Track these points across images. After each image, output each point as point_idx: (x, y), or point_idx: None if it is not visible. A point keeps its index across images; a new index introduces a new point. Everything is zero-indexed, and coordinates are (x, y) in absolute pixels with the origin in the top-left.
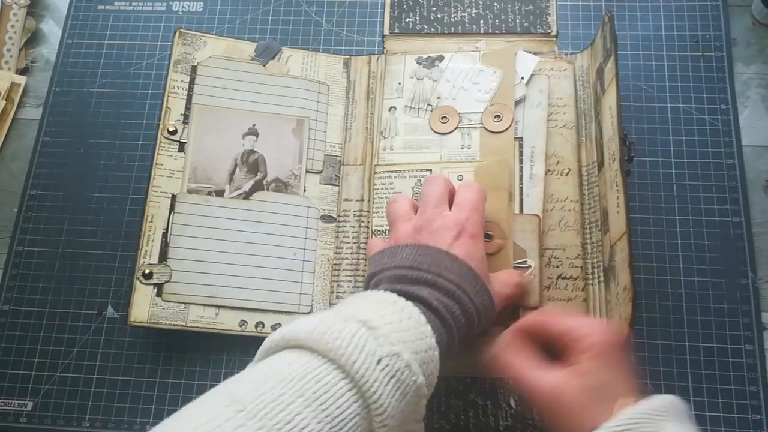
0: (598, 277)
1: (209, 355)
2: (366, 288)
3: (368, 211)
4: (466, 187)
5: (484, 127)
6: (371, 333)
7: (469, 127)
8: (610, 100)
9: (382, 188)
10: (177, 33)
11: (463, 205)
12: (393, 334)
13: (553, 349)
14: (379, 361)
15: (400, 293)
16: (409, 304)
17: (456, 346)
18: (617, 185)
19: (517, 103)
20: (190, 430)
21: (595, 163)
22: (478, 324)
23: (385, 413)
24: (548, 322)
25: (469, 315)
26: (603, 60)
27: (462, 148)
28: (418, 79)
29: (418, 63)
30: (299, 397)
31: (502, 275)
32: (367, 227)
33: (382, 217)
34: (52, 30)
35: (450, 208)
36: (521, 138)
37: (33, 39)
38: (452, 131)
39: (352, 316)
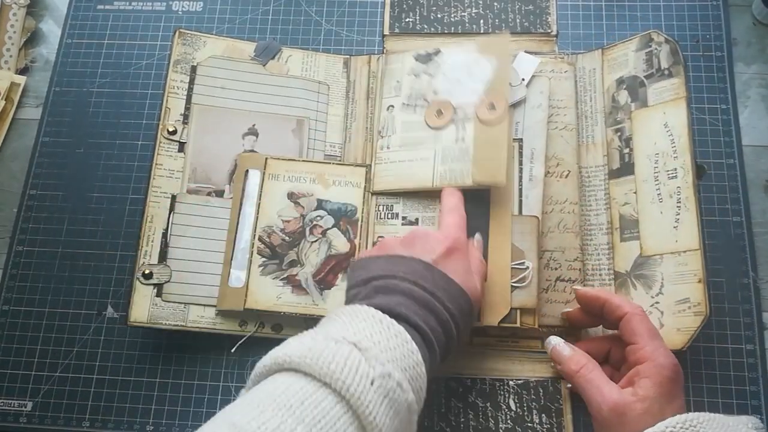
0: (601, 279)
1: (209, 355)
2: (350, 292)
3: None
4: (449, 210)
5: (478, 117)
6: (362, 354)
7: (464, 120)
8: (672, 119)
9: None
10: (177, 33)
11: (450, 225)
12: (383, 353)
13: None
14: (372, 383)
15: (384, 310)
16: (394, 322)
17: (438, 359)
18: (681, 202)
19: (518, 104)
20: None
21: (601, 167)
22: (456, 332)
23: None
24: (612, 301)
25: (444, 323)
26: (646, 76)
27: (456, 142)
28: (415, 76)
29: (416, 60)
30: (299, 424)
31: (475, 268)
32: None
33: (382, 220)
34: (52, 30)
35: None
36: (521, 139)
37: (33, 39)
38: (447, 125)
39: (343, 338)
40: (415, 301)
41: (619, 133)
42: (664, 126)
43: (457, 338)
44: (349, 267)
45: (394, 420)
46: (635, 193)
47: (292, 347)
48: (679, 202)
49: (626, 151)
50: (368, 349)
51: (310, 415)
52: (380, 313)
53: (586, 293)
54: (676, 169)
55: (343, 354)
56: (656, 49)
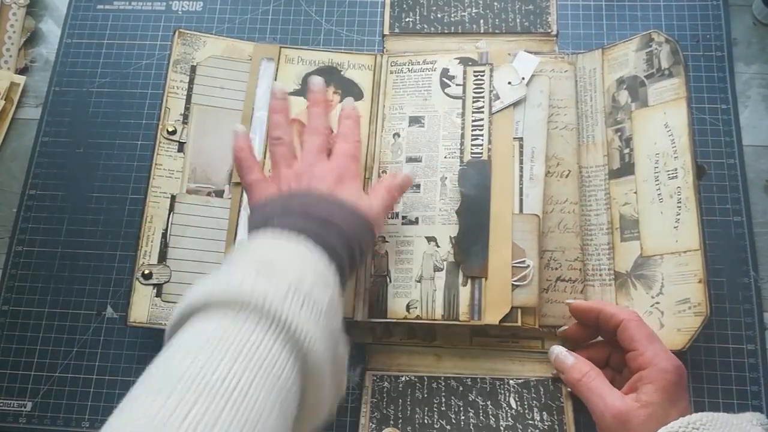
0: (601, 279)
1: None
2: (249, 236)
3: None
4: (342, 137)
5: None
6: (268, 267)
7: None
8: (672, 119)
9: None
10: (176, 33)
11: (339, 154)
12: (289, 265)
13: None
14: (288, 290)
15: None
16: (295, 234)
17: (346, 273)
18: (682, 202)
19: (518, 103)
20: (144, 425)
21: (601, 167)
22: (361, 248)
23: (308, 337)
24: (606, 311)
25: (346, 240)
26: (646, 76)
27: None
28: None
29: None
30: (236, 362)
31: (375, 188)
32: None
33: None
34: (52, 29)
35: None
36: (521, 138)
37: (32, 38)
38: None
39: (254, 260)
40: (312, 221)
41: (619, 133)
42: (664, 126)
43: (360, 254)
44: (249, 214)
45: (319, 319)
46: (635, 193)
47: (208, 285)
48: (680, 202)
49: (626, 151)
50: (275, 262)
51: (245, 349)
52: (280, 230)
53: (579, 306)
54: (676, 169)
55: (249, 274)
56: (656, 48)
